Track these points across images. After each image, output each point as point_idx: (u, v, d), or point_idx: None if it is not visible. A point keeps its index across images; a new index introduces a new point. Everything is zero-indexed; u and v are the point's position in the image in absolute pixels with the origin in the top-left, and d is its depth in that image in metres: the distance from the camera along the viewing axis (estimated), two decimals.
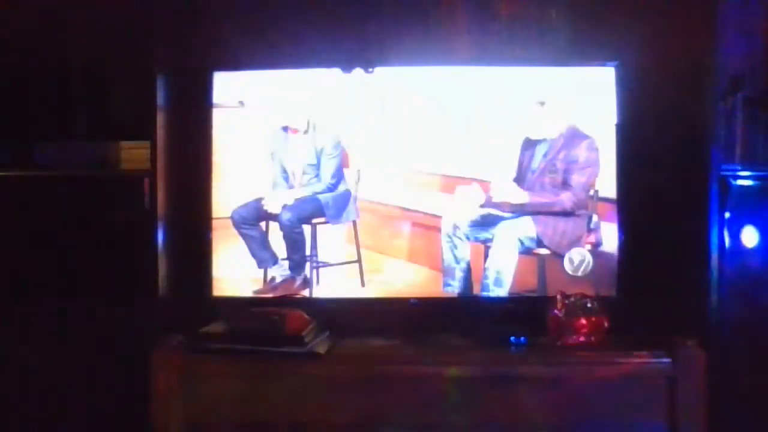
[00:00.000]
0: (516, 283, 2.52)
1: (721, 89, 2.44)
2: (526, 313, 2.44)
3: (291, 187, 2.63)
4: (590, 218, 2.50)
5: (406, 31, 2.59)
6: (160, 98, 2.45)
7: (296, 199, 2.62)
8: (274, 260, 2.61)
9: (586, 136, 2.50)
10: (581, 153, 2.50)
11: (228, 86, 2.57)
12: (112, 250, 2.51)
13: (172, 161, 2.48)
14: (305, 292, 2.60)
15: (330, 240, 2.64)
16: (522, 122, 2.53)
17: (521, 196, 2.53)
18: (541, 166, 2.52)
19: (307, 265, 2.62)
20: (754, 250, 2.45)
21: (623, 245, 2.48)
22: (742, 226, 2.45)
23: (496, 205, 2.54)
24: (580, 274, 2.50)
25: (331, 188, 2.63)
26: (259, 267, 2.61)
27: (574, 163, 2.50)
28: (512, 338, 2.37)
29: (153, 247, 2.42)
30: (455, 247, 2.55)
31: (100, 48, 2.63)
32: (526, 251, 2.52)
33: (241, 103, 2.59)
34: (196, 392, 2.28)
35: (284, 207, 2.60)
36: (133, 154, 2.56)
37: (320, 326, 2.41)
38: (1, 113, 2.64)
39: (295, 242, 2.61)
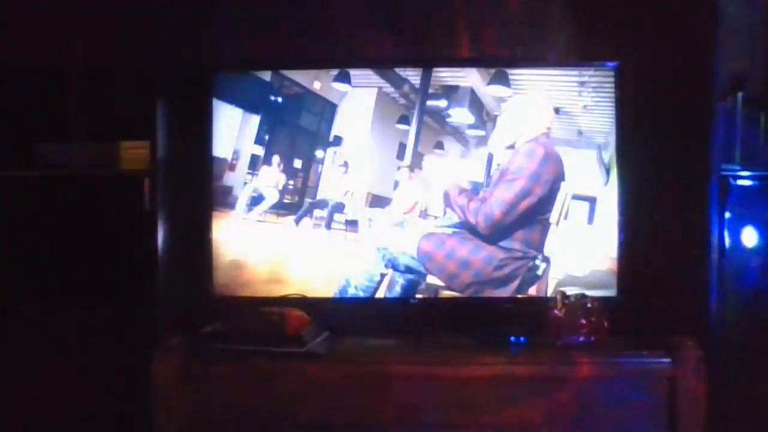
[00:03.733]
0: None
1: (721, 89, 2.44)
2: (526, 313, 2.44)
3: None
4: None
5: (406, 30, 2.60)
6: (160, 98, 2.45)
7: None
8: None
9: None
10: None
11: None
12: (112, 250, 2.51)
13: (172, 161, 2.48)
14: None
15: None
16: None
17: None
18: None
19: None
20: (754, 250, 2.45)
21: (623, 245, 2.48)
22: (742, 226, 2.45)
23: None
24: (580, 274, 2.51)
25: None
26: None
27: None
28: (512, 338, 2.37)
29: (153, 247, 2.42)
30: None
31: (100, 48, 2.63)
32: None
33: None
34: (196, 392, 2.28)
35: None
36: (133, 154, 2.56)
37: (320, 326, 2.41)
38: (1, 113, 2.64)
39: None
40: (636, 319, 2.41)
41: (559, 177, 2.51)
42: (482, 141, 2.56)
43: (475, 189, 2.55)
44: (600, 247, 2.51)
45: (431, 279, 2.55)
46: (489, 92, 2.53)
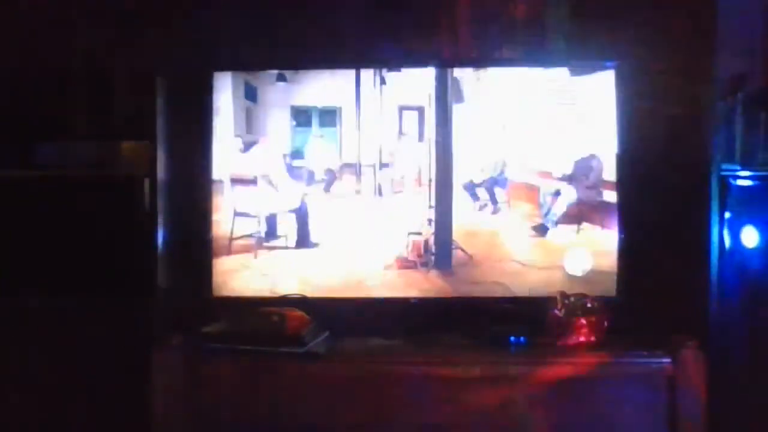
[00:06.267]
0: None
1: (721, 89, 2.44)
2: (526, 313, 2.44)
3: None
4: None
5: (406, 31, 2.60)
6: (160, 98, 2.45)
7: None
8: None
9: None
10: None
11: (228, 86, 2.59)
12: (112, 250, 2.51)
13: (172, 161, 2.48)
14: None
15: None
16: None
17: None
18: None
19: None
20: (754, 250, 2.45)
21: (623, 245, 2.48)
22: (742, 226, 2.45)
23: None
24: (580, 274, 2.51)
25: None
26: None
27: None
28: (512, 338, 2.37)
29: (153, 247, 2.42)
30: None
31: (100, 48, 2.63)
32: None
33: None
34: (196, 392, 2.28)
35: None
36: (133, 154, 2.56)
37: (320, 326, 2.41)
38: (1, 113, 2.64)
39: None
40: (636, 319, 2.41)
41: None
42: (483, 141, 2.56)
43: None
44: (600, 247, 2.51)
45: None
46: (488, 92, 2.53)
